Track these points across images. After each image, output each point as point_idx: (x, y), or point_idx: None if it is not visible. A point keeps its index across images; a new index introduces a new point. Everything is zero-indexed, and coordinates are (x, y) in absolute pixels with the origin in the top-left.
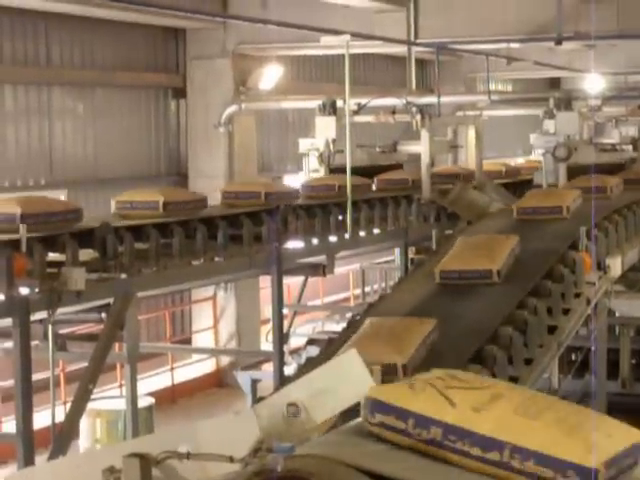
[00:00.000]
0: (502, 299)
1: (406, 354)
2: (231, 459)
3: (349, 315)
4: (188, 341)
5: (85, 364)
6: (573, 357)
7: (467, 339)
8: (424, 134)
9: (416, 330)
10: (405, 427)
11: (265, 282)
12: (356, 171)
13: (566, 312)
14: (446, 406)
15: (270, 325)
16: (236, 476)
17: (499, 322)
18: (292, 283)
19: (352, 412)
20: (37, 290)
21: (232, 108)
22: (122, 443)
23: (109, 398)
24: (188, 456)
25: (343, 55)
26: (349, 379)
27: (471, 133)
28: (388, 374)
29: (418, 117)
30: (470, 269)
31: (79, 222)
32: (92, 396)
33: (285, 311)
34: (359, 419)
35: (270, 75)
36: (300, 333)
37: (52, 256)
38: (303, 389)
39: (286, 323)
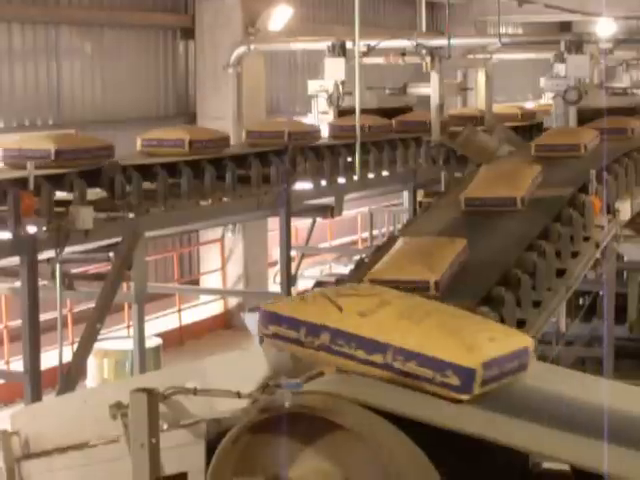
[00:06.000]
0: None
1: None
2: (239, 395)
3: (357, 258)
4: (196, 283)
5: (93, 305)
6: (581, 301)
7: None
8: (434, 76)
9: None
10: (297, 336)
11: (273, 225)
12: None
13: (575, 255)
14: (334, 312)
15: (278, 267)
16: (244, 412)
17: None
18: (300, 226)
19: None
20: (44, 229)
21: (241, 49)
22: (129, 379)
23: (117, 339)
24: (195, 392)
25: None
26: None
27: (481, 76)
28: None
29: (428, 59)
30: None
31: (111, 158)
32: (100, 337)
33: (293, 253)
34: None
35: (279, 16)
36: (308, 275)
37: (60, 195)
38: None
39: (294, 265)
